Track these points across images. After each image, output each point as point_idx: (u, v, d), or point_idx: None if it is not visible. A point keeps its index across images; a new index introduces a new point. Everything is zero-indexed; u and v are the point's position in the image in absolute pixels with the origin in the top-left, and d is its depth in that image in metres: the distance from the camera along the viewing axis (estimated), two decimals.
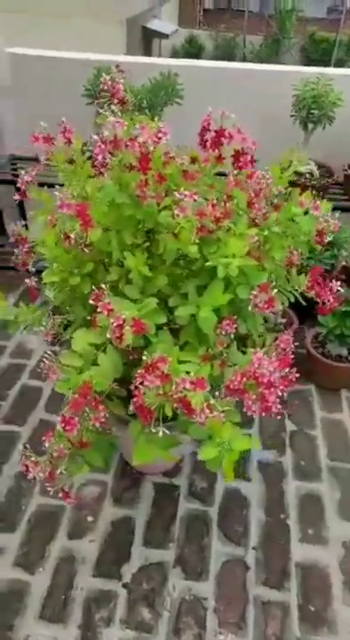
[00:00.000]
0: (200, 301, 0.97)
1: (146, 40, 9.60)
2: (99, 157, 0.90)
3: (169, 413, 0.82)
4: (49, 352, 1.02)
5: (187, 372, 0.91)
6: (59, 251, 0.96)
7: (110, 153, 0.90)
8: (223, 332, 0.96)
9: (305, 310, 1.80)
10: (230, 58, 9.85)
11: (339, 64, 8.50)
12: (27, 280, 1.12)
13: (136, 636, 1.13)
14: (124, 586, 1.22)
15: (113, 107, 1.03)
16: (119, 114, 1.03)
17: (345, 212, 1.87)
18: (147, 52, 9.05)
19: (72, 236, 0.86)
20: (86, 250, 0.89)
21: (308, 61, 9.47)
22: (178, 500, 1.41)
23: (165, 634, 1.14)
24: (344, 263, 1.90)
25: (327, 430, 1.64)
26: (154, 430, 0.82)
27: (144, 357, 0.83)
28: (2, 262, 2.25)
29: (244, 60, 9.53)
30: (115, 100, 1.04)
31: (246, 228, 0.96)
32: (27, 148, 2.26)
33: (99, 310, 0.84)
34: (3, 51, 2.18)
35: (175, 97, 1.93)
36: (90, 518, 1.35)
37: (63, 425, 0.85)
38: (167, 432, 0.83)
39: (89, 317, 0.99)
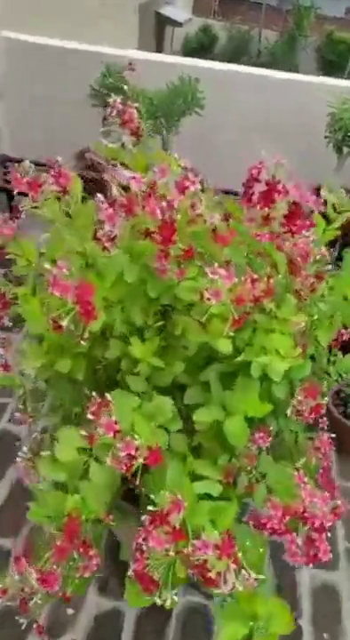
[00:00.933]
0: (226, 399, 0.75)
1: (158, 27, 9.25)
2: (108, 226, 0.67)
3: (181, 575, 0.61)
4: (24, 452, 0.81)
5: (206, 496, 0.71)
6: (46, 325, 0.73)
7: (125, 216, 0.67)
8: (254, 447, 0.75)
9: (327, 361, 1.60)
10: (244, 52, 9.57)
11: None
12: (1, 350, 0.89)
13: None
14: None
15: (124, 137, 0.80)
16: (131, 147, 0.80)
17: None
18: (160, 39, 8.71)
19: (64, 324, 0.64)
20: (83, 342, 0.67)
21: (323, 62, 9.19)
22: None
23: None
24: None
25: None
26: (159, 601, 0.61)
27: (149, 507, 0.62)
28: None
29: (259, 55, 9.24)
30: (127, 130, 0.80)
31: (293, 310, 0.75)
32: (25, 149, 2.02)
33: (100, 431, 0.62)
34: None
35: (195, 106, 1.71)
36: (70, 611, 1.15)
37: (40, 582, 0.64)
38: (175, 599, 0.62)
39: (82, 411, 0.77)
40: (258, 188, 0.73)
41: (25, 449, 0.82)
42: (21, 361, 0.77)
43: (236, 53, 8.31)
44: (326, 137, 1.69)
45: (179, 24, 9.25)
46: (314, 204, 0.73)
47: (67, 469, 0.73)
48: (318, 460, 0.84)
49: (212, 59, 2.81)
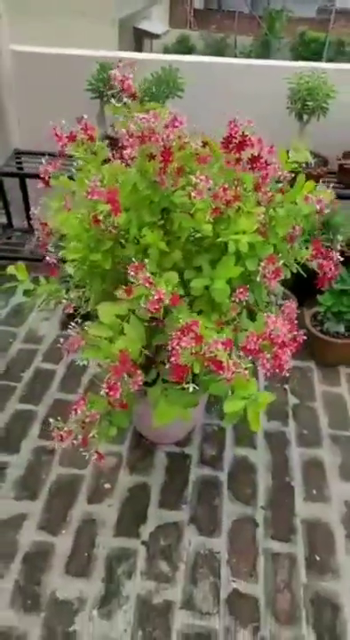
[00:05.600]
0: (213, 274, 1.06)
1: (137, 40, 9.71)
2: (128, 150, 0.99)
3: (197, 371, 0.91)
4: (72, 324, 1.11)
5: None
6: (80, 229, 1.04)
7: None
8: (237, 300, 1.05)
9: (304, 293, 1.91)
10: (221, 57, 9.97)
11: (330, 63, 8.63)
12: (47, 258, 1.20)
13: (156, 586, 1.22)
14: (143, 543, 1.31)
15: (125, 99, 1.12)
16: (130, 104, 1.11)
17: (340, 199, 1.98)
18: (139, 51, 9.15)
19: (101, 218, 0.95)
20: (114, 230, 0.99)
21: (298, 60, 9.60)
22: (190, 466, 1.50)
23: (183, 583, 1.23)
24: (339, 247, 2.00)
25: (327, 402, 1.73)
26: (185, 386, 0.91)
27: (180, 320, 0.92)
28: (11, 253, 2.34)
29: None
30: (127, 94, 1.12)
31: (254, 207, 1.05)
32: (32, 142, 2.34)
33: (139, 282, 0.93)
34: (8, 48, 2.26)
35: (176, 90, 2.03)
36: (107, 485, 1.44)
37: (108, 390, 0.93)
38: (197, 388, 0.91)
39: (110, 290, 1.07)
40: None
41: (73, 324, 1.12)
42: (66, 254, 1.07)
43: None
44: (288, 107, 2.01)
45: (157, 36, 9.70)
46: (268, 153, 1.06)
47: (109, 328, 1.03)
48: (284, 318, 1.13)
49: None
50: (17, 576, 1.24)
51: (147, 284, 0.94)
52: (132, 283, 0.96)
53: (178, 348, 0.90)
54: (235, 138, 1.07)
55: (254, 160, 1.09)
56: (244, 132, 1.07)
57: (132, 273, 0.95)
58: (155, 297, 0.93)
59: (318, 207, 1.12)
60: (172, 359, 0.90)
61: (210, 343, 0.89)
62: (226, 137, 1.09)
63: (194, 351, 0.89)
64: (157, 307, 0.93)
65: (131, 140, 0.99)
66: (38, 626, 1.15)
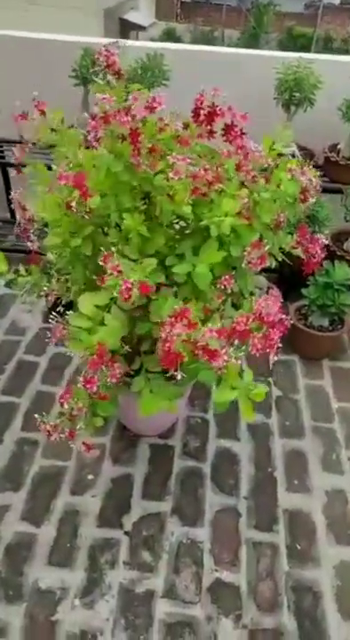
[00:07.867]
0: (196, 260, 1.05)
1: (123, 31, 9.61)
2: (92, 134, 0.96)
3: (188, 356, 0.89)
4: (54, 313, 1.09)
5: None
6: (60, 214, 1.02)
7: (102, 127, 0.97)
8: (222, 287, 1.04)
9: (288, 288, 1.92)
10: None
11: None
12: (29, 243, 1.17)
13: (139, 575, 1.22)
14: (126, 533, 1.30)
15: (109, 77, 1.09)
16: (114, 84, 1.09)
17: (325, 193, 1.99)
18: None
19: (73, 204, 0.93)
20: (87, 216, 0.96)
21: None
22: (173, 458, 1.49)
23: (165, 572, 1.23)
24: (325, 241, 2.01)
25: (309, 395, 1.75)
26: (175, 374, 0.89)
27: (176, 305, 0.89)
28: None
29: None
30: (111, 70, 1.09)
31: (237, 189, 1.05)
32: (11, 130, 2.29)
33: (108, 272, 0.91)
34: None
35: (162, 78, 2.00)
36: (90, 477, 1.43)
37: (84, 383, 0.92)
38: (184, 375, 0.89)
39: (92, 278, 1.06)
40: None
41: (54, 313, 1.10)
42: (47, 240, 1.05)
43: None
44: (275, 98, 2.01)
45: (143, 28, 9.61)
46: (241, 120, 1.04)
47: (89, 319, 1.01)
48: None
49: None
50: None
51: (116, 273, 0.92)
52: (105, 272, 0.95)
53: (171, 334, 0.87)
54: (203, 108, 1.06)
55: (228, 129, 1.07)
56: (213, 102, 1.05)
57: (102, 262, 0.93)
58: (123, 286, 0.91)
59: (303, 181, 1.10)
60: (166, 345, 0.88)
61: (203, 331, 0.88)
62: (194, 109, 1.07)
63: (185, 338, 0.88)
64: (127, 296, 0.91)
65: (93, 122, 0.97)
66: (20, 615, 1.14)
